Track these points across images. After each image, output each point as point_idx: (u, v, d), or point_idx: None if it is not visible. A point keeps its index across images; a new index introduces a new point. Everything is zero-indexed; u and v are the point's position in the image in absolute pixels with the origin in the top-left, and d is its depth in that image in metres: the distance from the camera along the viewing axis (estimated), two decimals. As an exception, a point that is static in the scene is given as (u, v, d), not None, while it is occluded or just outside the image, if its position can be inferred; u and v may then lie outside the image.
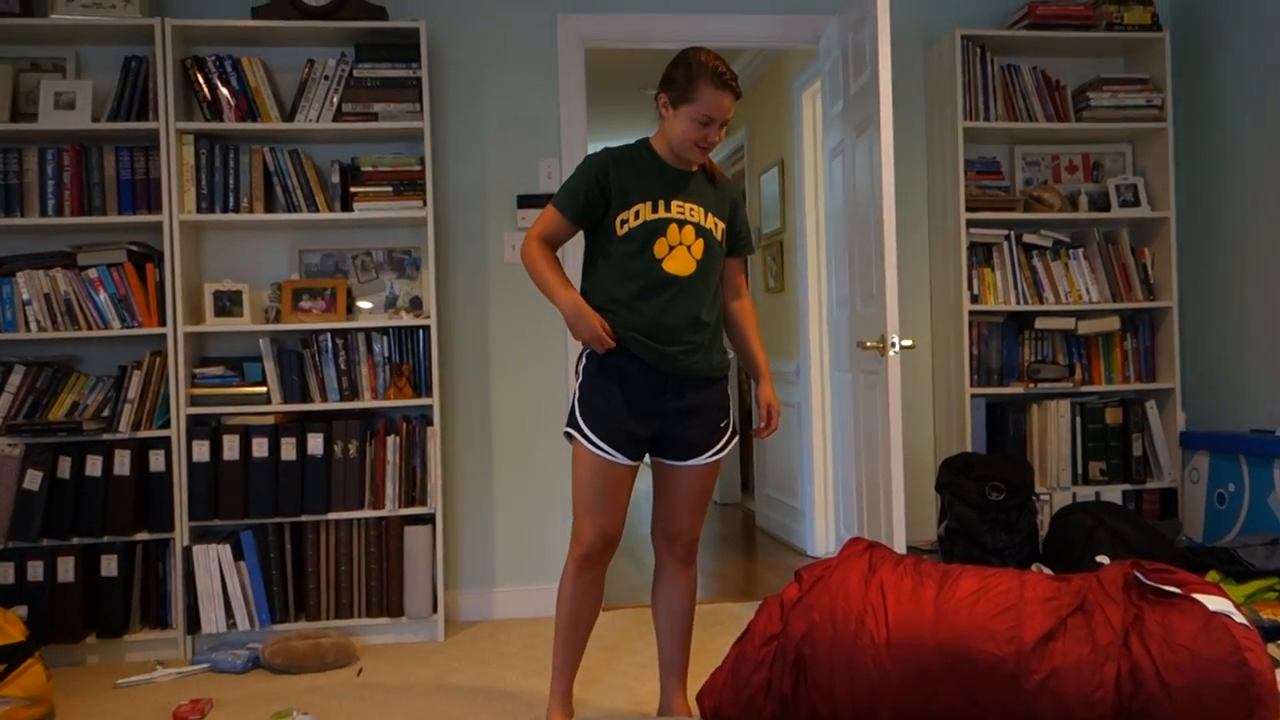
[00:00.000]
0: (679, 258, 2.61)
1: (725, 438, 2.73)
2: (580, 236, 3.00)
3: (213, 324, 3.84)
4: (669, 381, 2.62)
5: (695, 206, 2.65)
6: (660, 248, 2.60)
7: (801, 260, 5.26)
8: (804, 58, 5.16)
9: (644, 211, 2.60)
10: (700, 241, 2.63)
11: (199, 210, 3.80)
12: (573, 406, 2.68)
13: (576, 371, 2.70)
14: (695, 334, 2.63)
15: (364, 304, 4.06)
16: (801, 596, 2.58)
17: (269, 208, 3.90)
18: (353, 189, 3.88)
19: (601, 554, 2.67)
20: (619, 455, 2.61)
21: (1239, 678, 2.21)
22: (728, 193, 2.77)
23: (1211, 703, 2.21)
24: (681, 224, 2.62)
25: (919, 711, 2.37)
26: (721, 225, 2.70)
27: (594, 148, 6.80)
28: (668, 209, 2.61)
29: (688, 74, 2.58)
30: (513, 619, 4.13)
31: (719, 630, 3.83)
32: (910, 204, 4.51)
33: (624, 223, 2.61)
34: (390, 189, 3.89)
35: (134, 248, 3.79)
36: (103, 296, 3.74)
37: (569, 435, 2.67)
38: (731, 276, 2.83)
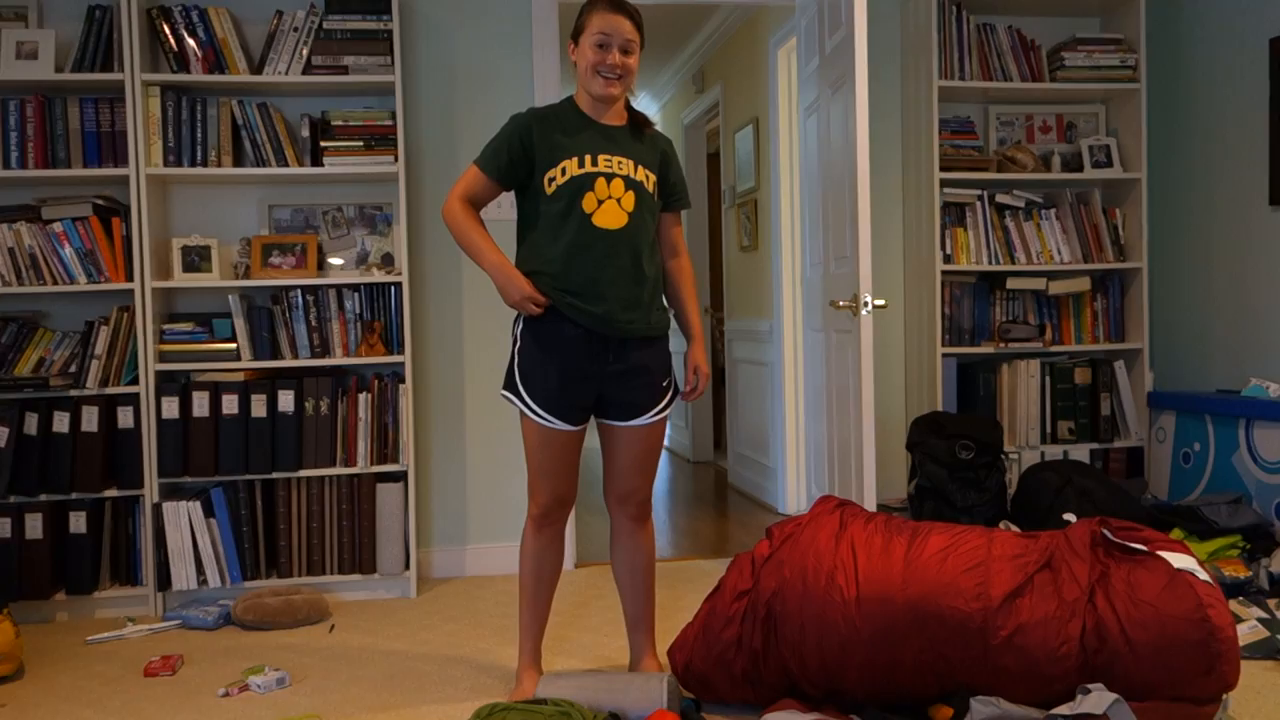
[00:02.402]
0: (609, 211, 2.58)
1: (668, 397, 2.73)
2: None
3: (181, 280, 3.79)
4: (608, 343, 2.60)
5: (623, 159, 2.62)
6: (589, 202, 2.57)
7: (775, 219, 5.25)
8: (779, 14, 5.12)
9: (570, 168, 2.58)
10: (631, 194, 2.60)
11: (166, 164, 3.74)
12: (510, 370, 2.67)
13: (513, 336, 2.68)
14: (632, 289, 2.60)
15: (335, 260, 4.02)
16: (772, 553, 2.59)
17: (238, 162, 3.85)
18: (323, 143, 3.83)
19: (557, 513, 2.70)
20: (561, 422, 2.62)
21: (1201, 634, 2.25)
22: (658, 144, 2.73)
23: (1174, 658, 2.25)
24: (610, 177, 2.59)
25: (887, 666, 2.40)
26: (653, 177, 2.67)
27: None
28: (594, 163, 2.58)
29: (581, 12, 2.61)
30: (485, 576, 4.14)
31: (691, 587, 3.86)
32: (884, 163, 4.50)
33: (551, 180, 2.59)
34: (361, 144, 3.84)
35: (100, 202, 3.73)
36: (68, 251, 3.68)
37: (508, 399, 2.68)
38: (668, 233, 2.79)
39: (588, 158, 2.58)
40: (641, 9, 5.74)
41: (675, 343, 7.65)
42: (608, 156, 2.60)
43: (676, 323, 2.84)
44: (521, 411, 2.65)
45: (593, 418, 2.75)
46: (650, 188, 2.65)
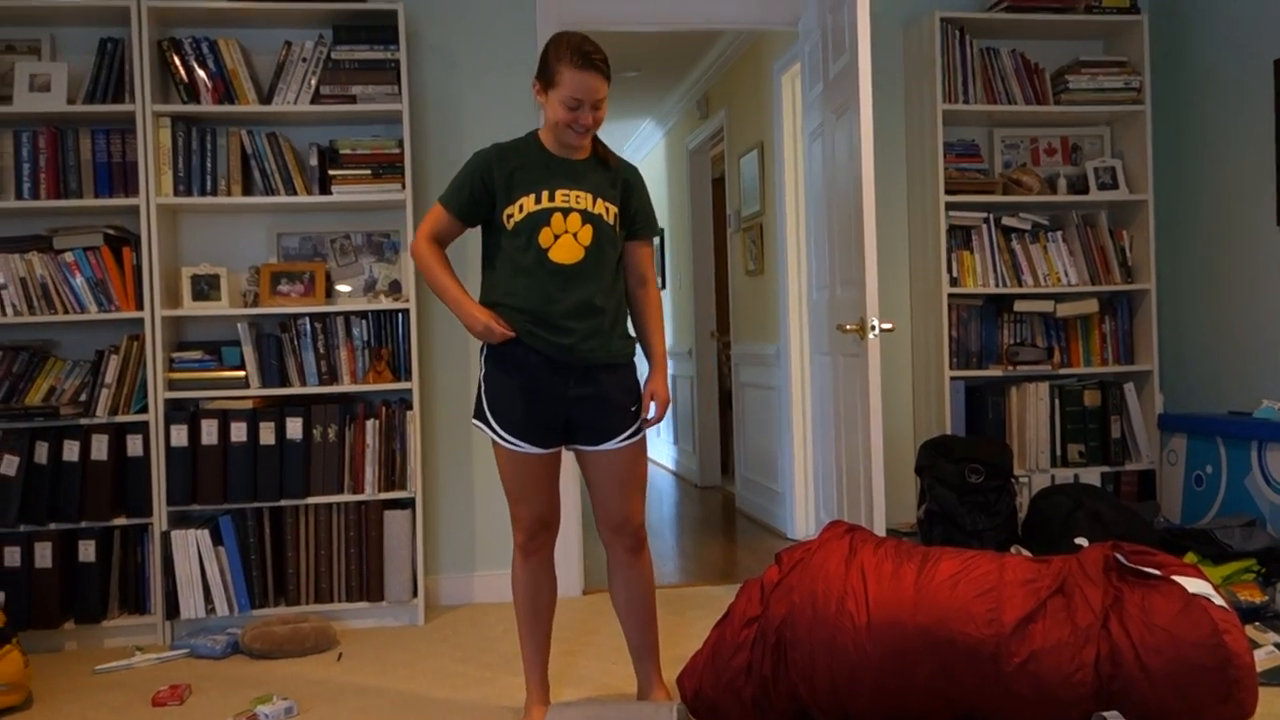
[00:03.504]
0: (565, 246, 2.59)
1: (638, 423, 2.70)
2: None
3: (190, 308, 3.80)
4: (570, 369, 2.61)
5: (582, 193, 2.61)
6: (545, 237, 2.58)
7: (781, 243, 5.26)
8: (783, 40, 5.15)
9: (527, 204, 2.59)
10: (588, 228, 2.60)
11: (176, 193, 3.76)
12: (478, 399, 2.68)
13: (480, 363, 2.69)
14: (588, 320, 2.60)
15: (343, 287, 4.03)
16: (782, 579, 2.58)
17: (247, 190, 3.87)
18: (331, 172, 3.85)
19: (542, 537, 2.70)
20: (530, 446, 2.62)
21: (1217, 659, 2.23)
22: (620, 174, 2.72)
23: (1190, 684, 2.23)
24: (566, 212, 2.59)
25: (899, 693, 2.39)
26: (614, 209, 2.66)
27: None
28: (551, 199, 2.59)
29: (550, 58, 2.56)
30: (493, 603, 4.13)
31: (699, 614, 3.84)
32: (889, 187, 4.51)
33: (510, 217, 2.60)
34: (369, 171, 3.86)
35: (111, 231, 3.76)
36: (79, 280, 3.70)
37: (478, 428, 2.68)
38: (635, 261, 2.77)
39: (544, 193, 2.59)
40: (645, 36, 5.78)
41: (676, 366, 7.65)
42: (565, 191, 2.60)
43: (642, 350, 2.82)
44: (492, 440, 2.66)
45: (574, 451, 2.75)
46: (610, 219, 2.65)
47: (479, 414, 2.68)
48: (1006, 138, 4.58)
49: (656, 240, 8.45)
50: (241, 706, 3.00)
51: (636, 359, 2.74)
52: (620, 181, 2.71)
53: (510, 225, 2.60)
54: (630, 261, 2.77)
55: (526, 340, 2.59)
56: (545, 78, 2.57)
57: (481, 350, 2.69)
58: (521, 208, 2.59)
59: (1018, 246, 4.34)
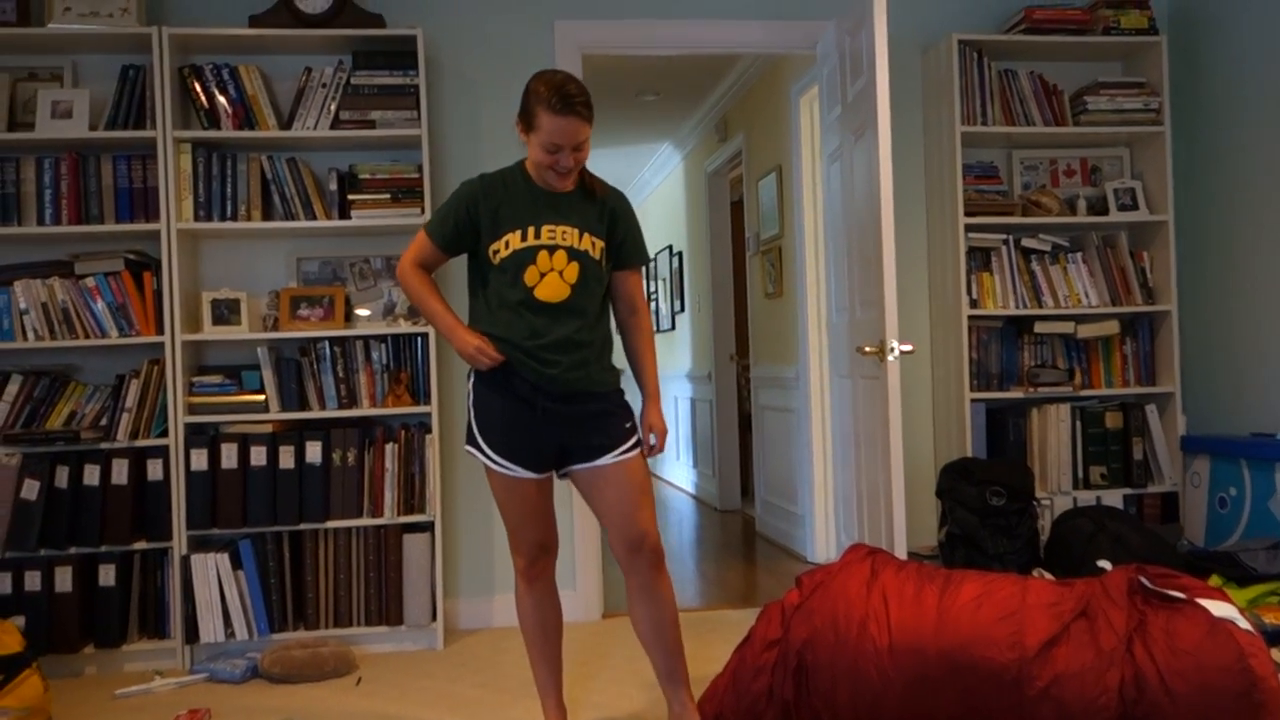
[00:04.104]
0: (550, 284, 2.58)
1: (633, 439, 2.68)
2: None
3: (210, 332, 3.83)
4: (556, 395, 2.61)
5: (569, 229, 2.60)
6: (531, 276, 2.57)
7: (800, 266, 5.25)
8: (801, 63, 5.16)
9: (513, 241, 2.57)
10: (574, 265, 2.59)
11: (197, 219, 3.79)
12: (469, 425, 2.68)
13: (467, 392, 2.70)
14: (573, 354, 2.60)
15: (362, 312, 4.05)
16: (803, 602, 2.56)
17: (267, 216, 3.89)
18: (350, 197, 3.88)
19: (543, 561, 2.71)
20: (522, 470, 2.62)
21: (1243, 684, 2.20)
22: (608, 205, 2.69)
23: (1215, 708, 2.20)
24: (552, 249, 2.58)
25: (921, 717, 2.36)
26: (600, 243, 2.64)
27: (592, 154, 6.80)
28: (537, 235, 2.57)
29: (530, 101, 2.53)
30: (512, 627, 4.11)
31: (719, 637, 3.82)
32: (908, 209, 4.51)
33: (495, 253, 2.60)
34: (388, 196, 3.89)
35: (131, 256, 3.79)
36: (100, 305, 3.73)
37: (471, 454, 2.68)
38: (625, 290, 2.76)
39: (530, 230, 2.58)
40: (663, 60, 5.81)
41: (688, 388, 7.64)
42: (551, 227, 2.59)
43: (635, 381, 2.80)
44: (485, 465, 2.65)
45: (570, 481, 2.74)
46: (596, 254, 2.63)
47: (470, 439, 2.68)
48: (1025, 159, 4.57)
49: (675, 263, 8.46)
50: (260, 731, 3.00)
51: (625, 384, 2.73)
52: (608, 213, 2.68)
53: (496, 261, 2.59)
54: (620, 291, 2.76)
55: (515, 365, 2.59)
56: (525, 119, 2.56)
57: (469, 375, 2.69)
58: (507, 244, 2.58)
59: (1038, 268, 4.32)
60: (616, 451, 2.64)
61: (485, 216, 2.61)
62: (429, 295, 2.66)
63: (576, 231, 2.61)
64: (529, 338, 2.57)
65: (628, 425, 2.68)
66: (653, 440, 2.73)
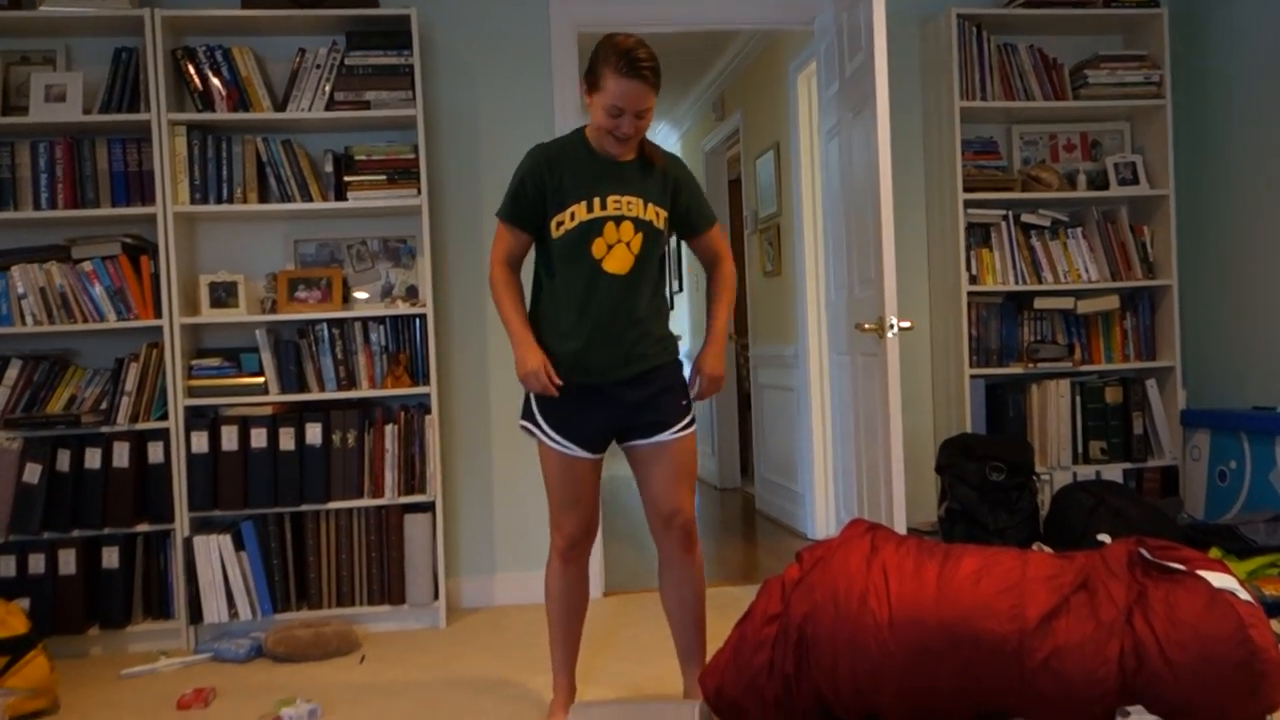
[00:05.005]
0: (618, 256, 2.57)
1: (688, 417, 2.70)
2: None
3: (209, 315, 3.82)
4: (621, 380, 2.62)
5: (633, 199, 2.58)
6: (598, 248, 2.56)
7: (798, 244, 5.24)
8: (799, 39, 5.14)
9: (579, 212, 2.55)
10: (639, 236, 2.58)
11: (193, 201, 3.78)
12: (527, 400, 2.68)
13: None
14: (636, 328, 2.61)
15: (360, 294, 4.04)
16: (803, 577, 2.57)
17: (263, 198, 3.88)
18: (346, 178, 3.86)
19: (583, 544, 2.69)
20: (580, 449, 2.63)
21: (1243, 654, 2.20)
22: (669, 174, 2.68)
23: (1215, 679, 2.20)
24: (619, 220, 2.56)
25: (922, 690, 2.37)
26: (663, 213, 2.63)
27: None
28: (604, 206, 2.56)
29: (597, 61, 2.50)
30: (514, 605, 4.13)
31: (720, 614, 3.83)
32: (907, 185, 4.49)
33: (560, 225, 2.57)
34: (384, 177, 3.87)
35: (128, 240, 3.78)
36: (98, 289, 3.72)
37: (526, 430, 2.68)
38: (707, 246, 2.78)
39: (596, 201, 2.56)
40: (659, 37, 5.78)
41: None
42: (616, 197, 2.57)
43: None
44: (540, 442, 2.65)
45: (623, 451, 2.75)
46: (660, 224, 2.63)
47: (527, 415, 2.67)
48: (1025, 134, 4.55)
49: (674, 242, 8.45)
50: (265, 709, 3.01)
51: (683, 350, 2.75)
52: (670, 182, 2.67)
53: (559, 233, 2.56)
54: (701, 250, 2.79)
55: (577, 379, 2.60)
56: (591, 80, 2.53)
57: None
58: (573, 215, 2.55)
59: (1037, 243, 4.32)
60: (670, 430, 2.67)
61: (550, 186, 2.57)
62: (507, 302, 2.63)
63: (640, 201, 2.59)
64: (594, 314, 2.57)
65: (683, 403, 2.70)
66: (697, 383, 2.74)
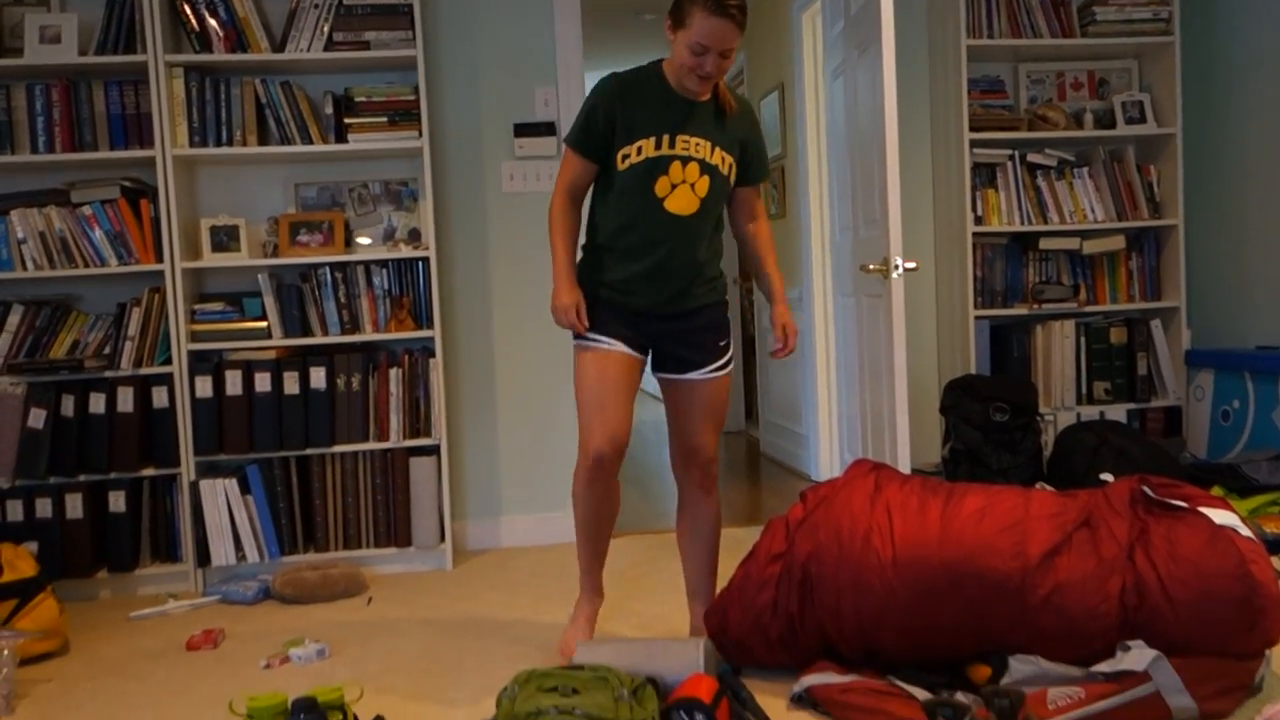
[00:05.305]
0: (681, 196, 2.55)
1: (724, 358, 2.71)
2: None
3: (210, 259, 3.81)
4: (665, 314, 2.64)
5: (702, 141, 2.56)
6: (662, 186, 2.54)
7: (803, 185, 5.20)
8: (803, -23, 5.06)
9: (647, 148, 2.53)
10: (705, 179, 2.57)
11: (192, 145, 3.75)
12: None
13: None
14: (689, 271, 2.61)
15: (363, 240, 4.02)
16: (807, 516, 2.58)
17: (263, 141, 3.85)
18: (347, 120, 3.83)
19: (612, 460, 2.61)
20: (620, 344, 2.60)
21: (1243, 590, 2.22)
22: (742, 123, 2.65)
23: (1215, 615, 2.22)
24: (685, 161, 2.54)
25: (925, 628, 2.39)
26: (730, 159, 2.61)
27: (590, 76, 6.70)
28: (672, 145, 2.53)
29: None
30: (520, 547, 4.16)
31: (726, 555, 3.84)
32: (913, 125, 4.45)
33: (626, 158, 2.55)
34: (385, 119, 3.83)
35: (127, 184, 3.75)
36: (98, 234, 3.70)
37: (579, 346, 2.65)
38: (748, 201, 2.77)
39: (665, 138, 2.53)
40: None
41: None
42: (685, 138, 2.55)
43: (758, 285, 2.83)
44: (578, 345, 2.63)
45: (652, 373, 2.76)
46: (725, 170, 2.61)
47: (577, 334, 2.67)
48: (1032, 73, 4.50)
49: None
50: (274, 650, 3.04)
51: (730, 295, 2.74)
52: (742, 129, 2.64)
53: (624, 165, 2.54)
54: (742, 203, 2.77)
55: (623, 303, 2.60)
56: (676, 16, 2.49)
57: (577, 277, 2.66)
58: (640, 150, 2.53)
59: (1043, 183, 4.28)
60: (704, 369, 2.68)
61: (621, 118, 2.54)
62: (558, 234, 2.62)
63: (709, 144, 2.57)
64: (650, 263, 2.56)
65: (722, 344, 2.71)
66: (782, 339, 2.75)
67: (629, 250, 2.59)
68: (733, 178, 2.64)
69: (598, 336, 2.61)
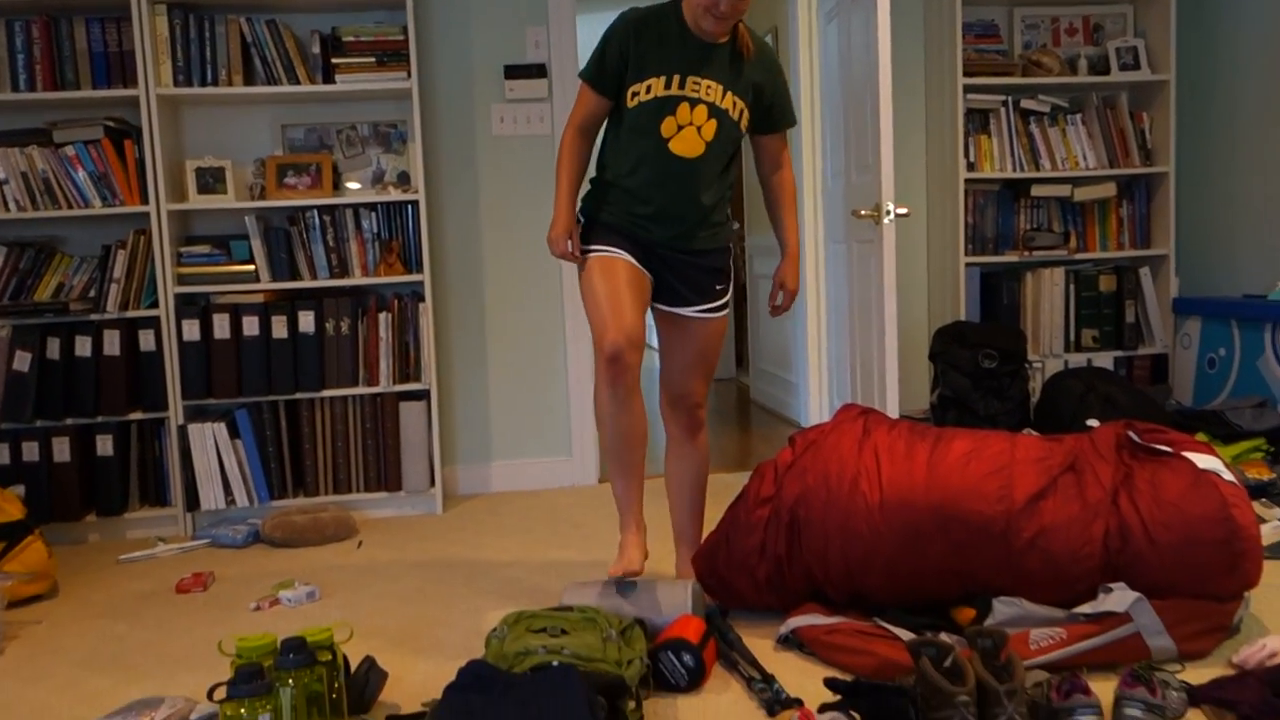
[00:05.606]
0: (687, 139, 2.53)
1: (720, 300, 2.70)
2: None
3: (196, 201, 3.77)
4: (666, 248, 2.63)
5: (713, 84, 2.52)
6: (668, 126, 2.52)
7: (796, 130, 5.16)
8: (797, -83, 4.97)
9: (656, 86, 2.50)
10: (713, 123, 2.53)
11: (176, 84, 3.70)
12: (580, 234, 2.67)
13: (578, 218, 2.68)
14: (692, 214, 2.59)
15: (352, 185, 3.98)
16: (795, 460, 2.59)
17: (249, 81, 3.80)
18: (334, 60, 3.77)
19: (629, 355, 2.47)
20: (625, 254, 2.58)
21: (1224, 533, 2.24)
22: (758, 68, 2.60)
23: (1197, 557, 2.24)
24: (694, 103, 2.51)
25: (911, 571, 2.41)
26: (741, 104, 2.57)
27: (583, 18, 6.62)
28: (682, 85, 2.50)
29: None
30: (510, 492, 4.17)
31: (714, 500, 3.87)
32: (907, 69, 4.41)
33: (635, 95, 2.52)
34: (373, 59, 3.78)
35: (111, 124, 3.70)
36: (81, 174, 3.66)
37: (587, 255, 2.62)
38: (773, 150, 2.72)
39: (676, 78, 2.50)
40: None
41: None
42: (697, 80, 2.51)
43: (775, 235, 2.80)
44: (586, 258, 2.60)
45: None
46: (735, 115, 2.57)
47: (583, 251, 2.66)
48: (1027, 17, 4.46)
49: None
50: (264, 592, 3.06)
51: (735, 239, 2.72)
52: (757, 74, 2.59)
53: (633, 103, 2.52)
54: (766, 152, 2.72)
55: (625, 227, 2.59)
56: None
57: (581, 202, 2.66)
58: (649, 89, 2.51)
59: (1036, 130, 4.26)
60: (697, 308, 2.67)
61: (634, 54, 2.51)
62: (564, 169, 2.59)
63: (721, 88, 2.53)
64: (654, 192, 2.54)
65: (719, 287, 2.69)
66: (780, 299, 2.74)
67: (634, 189, 2.57)
68: (743, 123, 2.61)
69: (604, 246, 2.59)
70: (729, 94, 2.55)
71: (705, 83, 2.52)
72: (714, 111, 2.53)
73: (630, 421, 2.56)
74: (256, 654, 2.00)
